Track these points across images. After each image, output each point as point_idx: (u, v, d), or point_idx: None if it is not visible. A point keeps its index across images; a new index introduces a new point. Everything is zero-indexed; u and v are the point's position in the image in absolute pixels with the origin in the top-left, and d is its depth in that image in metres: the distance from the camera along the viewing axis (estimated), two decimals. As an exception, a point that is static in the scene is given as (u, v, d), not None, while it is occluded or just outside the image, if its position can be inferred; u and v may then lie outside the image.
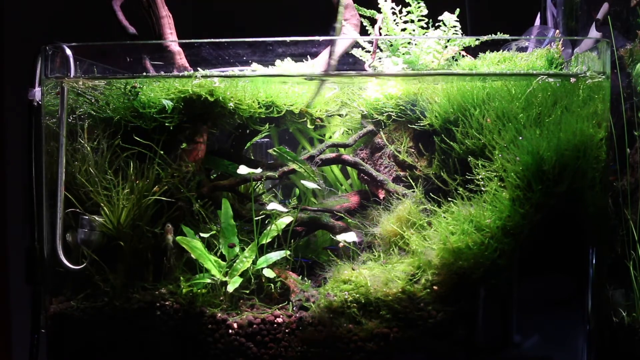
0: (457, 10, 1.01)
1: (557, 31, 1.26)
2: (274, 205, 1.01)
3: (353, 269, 0.95)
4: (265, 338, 0.91)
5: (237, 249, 0.97)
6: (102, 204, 0.93)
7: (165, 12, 1.01)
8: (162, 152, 0.95)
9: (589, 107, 0.89)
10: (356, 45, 1.05)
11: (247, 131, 1.09)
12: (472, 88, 0.96)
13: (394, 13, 1.03)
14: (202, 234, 0.97)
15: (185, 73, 0.97)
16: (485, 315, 0.90)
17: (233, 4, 1.33)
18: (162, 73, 0.99)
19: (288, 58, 1.02)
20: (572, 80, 0.90)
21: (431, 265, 0.90)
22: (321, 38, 0.97)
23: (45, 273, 0.97)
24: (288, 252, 0.98)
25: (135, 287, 0.94)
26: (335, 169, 1.21)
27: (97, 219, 0.94)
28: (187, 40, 0.81)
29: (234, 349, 0.91)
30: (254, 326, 0.91)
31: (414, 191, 1.02)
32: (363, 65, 1.06)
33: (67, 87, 0.95)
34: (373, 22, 1.06)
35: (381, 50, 1.06)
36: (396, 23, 1.04)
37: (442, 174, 0.99)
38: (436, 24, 1.03)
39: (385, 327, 0.89)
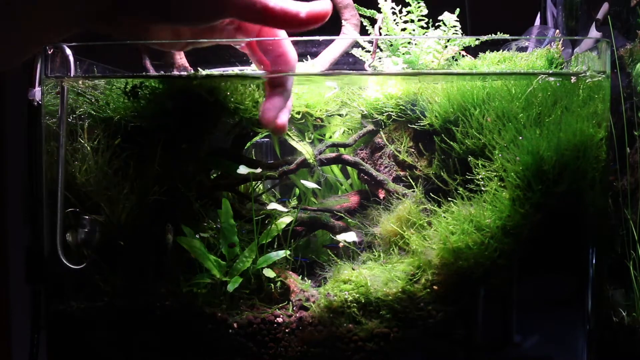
0: (457, 10, 1.01)
1: (557, 31, 1.26)
2: (274, 205, 1.01)
3: (353, 269, 0.95)
4: (265, 338, 0.91)
5: (237, 249, 0.97)
6: (102, 204, 0.93)
7: (165, 12, 1.01)
8: (162, 152, 0.95)
9: (589, 107, 0.89)
10: (356, 45, 1.05)
11: (247, 131, 1.09)
12: (472, 88, 0.96)
13: (394, 13, 1.03)
14: (202, 234, 0.97)
15: (185, 73, 0.97)
16: (485, 315, 0.90)
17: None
18: (162, 73, 0.99)
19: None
20: (573, 79, 0.90)
21: (431, 265, 0.90)
22: (321, 38, 0.97)
23: (45, 273, 0.97)
24: (288, 252, 0.98)
25: (135, 287, 0.94)
26: (335, 168, 1.21)
27: (97, 218, 0.94)
28: (187, 40, 0.80)
29: (233, 349, 0.91)
30: (254, 326, 0.91)
31: (414, 191, 1.02)
32: (363, 65, 1.06)
33: (67, 87, 0.95)
34: (373, 22, 1.06)
35: (381, 50, 1.06)
36: (396, 23, 1.04)
37: (442, 173, 0.99)
38: (436, 24, 1.03)
39: (385, 327, 0.89)
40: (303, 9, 0.71)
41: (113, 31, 0.71)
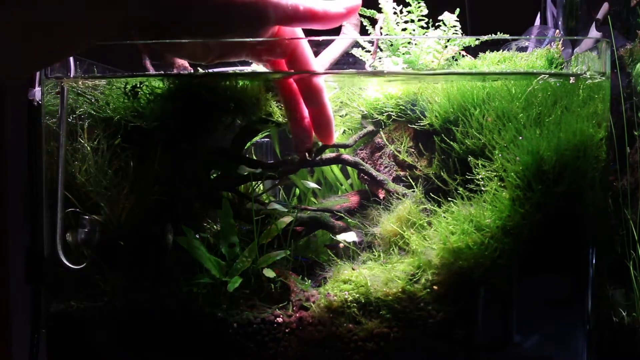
0: (457, 10, 1.01)
1: (557, 31, 1.26)
2: (274, 205, 1.01)
3: (353, 269, 0.95)
4: (265, 338, 0.91)
5: (237, 249, 0.97)
6: (102, 204, 0.93)
7: (165, 12, 1.01)
8: (162, 152, 0.95)
9: (589, 107, 0.89)
10: (356, 45, 1.05)
11: (247, 131, 1.09)
12: (472, 88, 0.96)
13: (394, 13, 1.03)
14: (202, 234, 0.97)
15: (185, 72, 0.97)
16: (485, 315, 0.90)
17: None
18: (162, 72, 0.99)
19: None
20: (572, 80, 0.90)
21: (431, 265, 0.90)
22: (321, 38, 0.97)
23: (45, 273, 0.97)
24: (288, 252, 0.98)
25: (135, 287, 0.94)
26: (335, 168, 1.21)
27: (97, 218, 0.94)
28: (187, 40, 0.81)
29: (233, 349, 0.91)
30: (254, 326, 0.91)
31: (414, 191, 1.02)
32: (363, 65, 1.06)
33: (67, 87, 0.95)
34: (373, 22, 1.06)
35: (381, 50, 1.06)
36: (397, 23, 1.04)
37: (442, 173, 0.99)
38: (436, 24, 1.03)
39: (385, 326, 0.89)
40: (340, 5, 0.74)
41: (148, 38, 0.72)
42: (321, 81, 0.93)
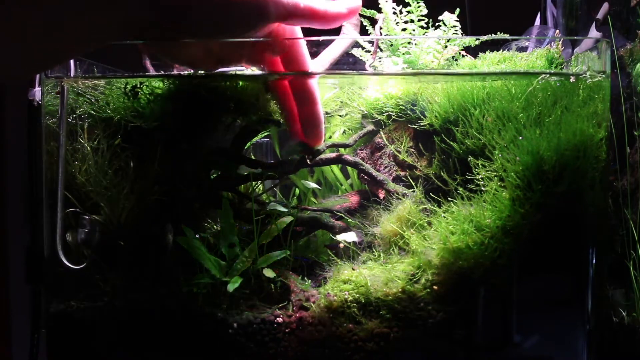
0: (457, 10, 1.01)
1: (557, 31, 1.26)
2: (274, 205, 1.01)
3: (353, 269, 0.95)
4: (265, 338, 0.91)
5: (237, 249, 0.97)
6: (102, 204, 0.94)
7: (165, 12, 1.01)
8: (162, 152, 0.95)
9: (589, 106, 0.89)
10: (356, 45, 1.05)
11: (247, 131, 1.09)
12: (472, 88, 0.96)
13: (394, 13, 1.03)
14: (202, 234, 0.97)
15: (185, 73, 0.97)
16: (485, 315, 0.90)
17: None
18: (162, 73, 0.99)
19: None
20: (572, 79, 0.90)
21: (431, 265, 0.90)
22: (321, 38, 0.97)
23: (45, 273, 0.97)
24: (288, 252, 0.98)
25: (135, 287, 0.94)
26: (335, 169, 1.21)
27: (97, 218, 0.94)
28: (187, 40, 0.81)
29: (233, 349, 0.91)
30: (254, 326, 0.91)
31: (414, 191, 1.02)
32: (363, 65, 1.06)
33: (67, 87, 0.95)
34: (373, 22, 1.06)
35: (381, 50, 1.06)
36: (396, 23, 1.04)
37: (442, 173, 0.99)
38: (436, 24, 1.03)
39: (385, 326, 0.89)
40: (342, 5, 0.74)
41: (149, 43, 0.72)
42: (315, 82, 0.93)
